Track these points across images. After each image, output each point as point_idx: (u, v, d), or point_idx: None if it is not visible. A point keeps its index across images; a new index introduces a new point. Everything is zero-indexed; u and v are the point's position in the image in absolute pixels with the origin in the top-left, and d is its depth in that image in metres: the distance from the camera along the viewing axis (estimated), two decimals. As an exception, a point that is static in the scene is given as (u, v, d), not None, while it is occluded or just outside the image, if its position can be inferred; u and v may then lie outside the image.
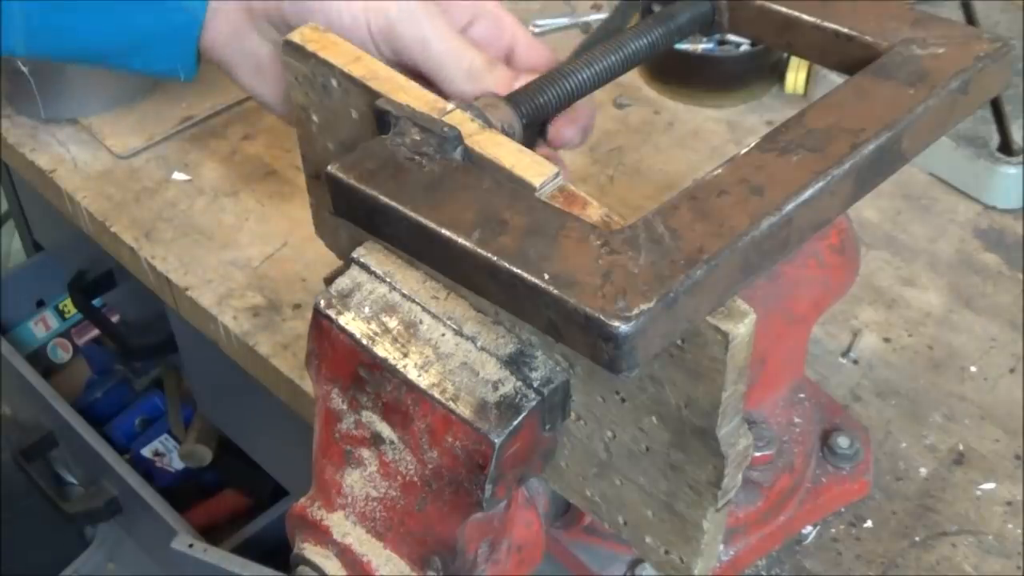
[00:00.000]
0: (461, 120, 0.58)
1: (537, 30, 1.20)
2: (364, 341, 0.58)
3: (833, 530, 0.79)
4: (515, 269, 0.50)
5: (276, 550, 1.32)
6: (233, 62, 0.74)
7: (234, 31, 0.73)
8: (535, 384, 0.56)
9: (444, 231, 0.52)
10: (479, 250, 0.51)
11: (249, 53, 0.73)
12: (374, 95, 0.60)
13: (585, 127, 0.69)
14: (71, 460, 1.56)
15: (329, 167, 0.55)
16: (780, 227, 0.53)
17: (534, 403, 0.56)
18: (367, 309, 0.59)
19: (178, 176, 1.08)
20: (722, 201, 0.53)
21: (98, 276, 1.49)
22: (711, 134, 1.11)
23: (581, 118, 0.68)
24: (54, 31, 0.74)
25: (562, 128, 0.67)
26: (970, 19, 1.05)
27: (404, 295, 0.59)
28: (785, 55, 1.12)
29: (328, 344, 0.59)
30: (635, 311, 0.47)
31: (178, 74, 0.76)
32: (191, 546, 1.23)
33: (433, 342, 0.57)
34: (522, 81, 0.67)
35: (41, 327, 1.71)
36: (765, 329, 0.54)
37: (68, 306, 1.70)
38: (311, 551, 0.62)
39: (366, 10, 0.68)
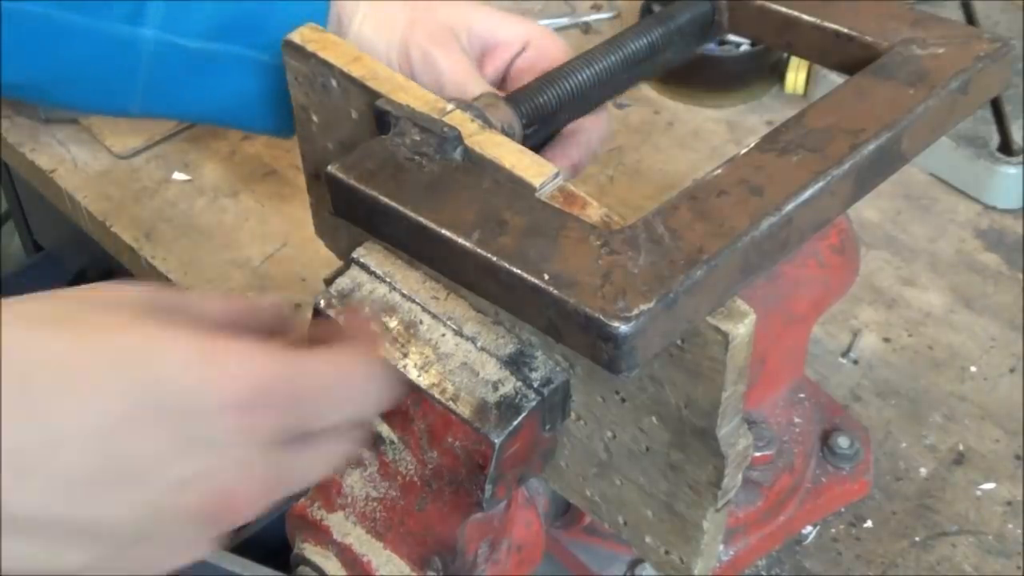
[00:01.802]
0: (461, 120, 0.58)
1: (537, 30, 1.20)
2: (364, 341, 0.58)
3: (833, 530, 0.79)
4: (515, 269, 0.50)
5: (276, 550, 1.31)
6: None
7: None
8: (535, 384, 0.56)
9: (444, 231, 0.52)
10: (479, 250, 0.51)
11: None
12: (374, 95, 0.60)
13: (576, 164, 0.71)
14: (71, 460, 1.56)
15: (329, 167, 0.55)
16: (780, 227, 0.53)
17: (534, 403, 0.56)
18: (367, 309, 0.59)
19: (178, 176, 1.08)
20: (722, 201, 0.53)
21: (98, 276, 1.49)
22: (711, 134, 1.11)
23: (573, 151, 0.70)
24: (169, 96, 0.76)
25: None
26: (970, 19, 1.05)
27: (404, 295, 0.59)
28: (785, 55, 1.12)
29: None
30: (635, 311, 0.47)
31: (286, 132, 0.77)
32: (191, 546, 1.23)
33: (433, 342, 0.57)
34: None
35: (41, 327, 1.71)
36: (765, 329, 0.54)
37: (68, 306, 1.69)
38: (311, 551, 0.62)
39: (388, 51, 0.72)
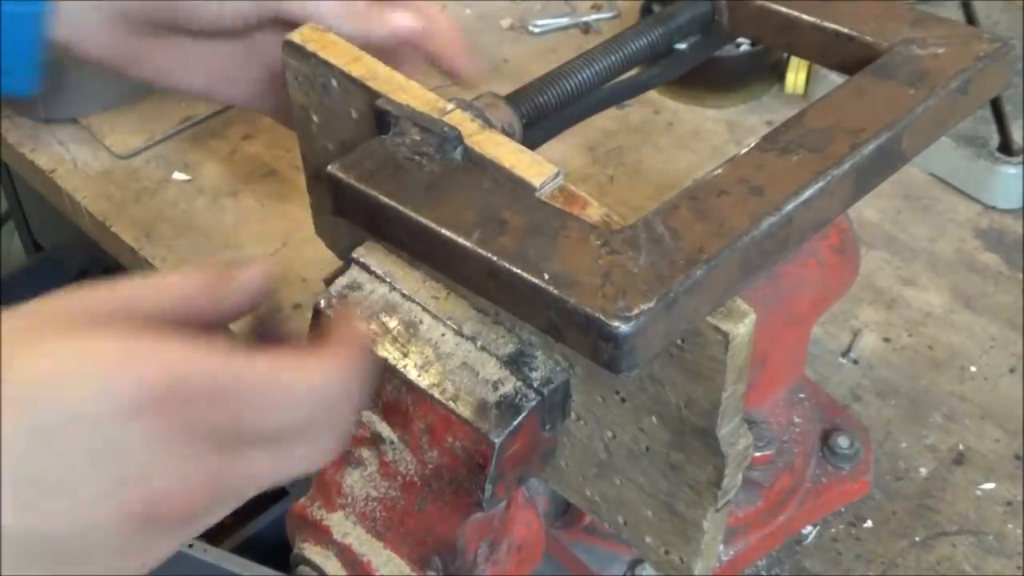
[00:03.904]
0: (461, 120, 0.58)
1: (537, 30, 1.20)
2: (364, 341, 0.58)
3: (833, 530, 0.79)
4: (515, 269, 0.50)
5: (276, 550, 1.31)
6: (122, 64, 0.74)
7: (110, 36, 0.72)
8: (535, 384, 0.56)
9: (444, 231, 0.52)
10: (479, 250, 0.51)
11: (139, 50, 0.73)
12: (374, 95, 0.60)
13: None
14: (71, 460, 1.56)
15: (329, 167, 0.55)
16: (780, 227, 0.53)
17: (534, 403, 0.56)
18: (367, 309, 0.59)
19: (178, 176, 1.08)
20: (722, 201, 0.53)
21: (98, 276, 1.49)
22: (711, 134, 1.11)
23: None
24: None
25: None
26: (970, 19, 1.05)
27: (404, 295, 0.59)
28: (785, 55, 1.12)
29: (328, 344, 0.59)
30: (635, 311, 0.47)
31: (20, 91, 0.73)
32: (191, 546, 1.23)
33: (433, 342, 0.57)
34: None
35: (41, 327, 1.71)
36: (765, 329, 0.54)
37: (68, 306, 1.69)
38: (311, 551, 0.62)
39: None
